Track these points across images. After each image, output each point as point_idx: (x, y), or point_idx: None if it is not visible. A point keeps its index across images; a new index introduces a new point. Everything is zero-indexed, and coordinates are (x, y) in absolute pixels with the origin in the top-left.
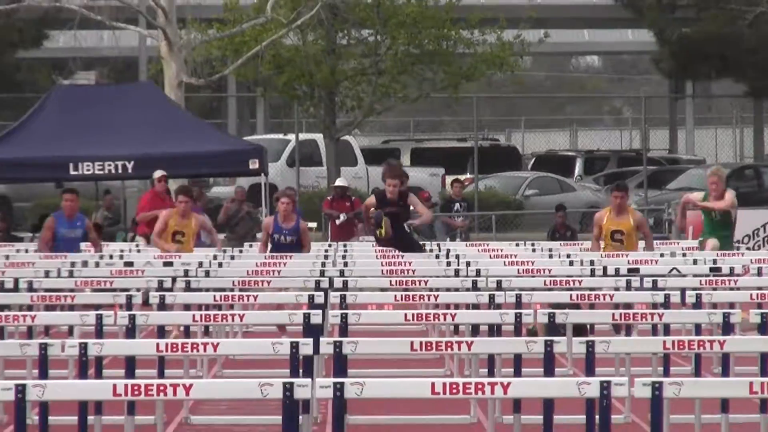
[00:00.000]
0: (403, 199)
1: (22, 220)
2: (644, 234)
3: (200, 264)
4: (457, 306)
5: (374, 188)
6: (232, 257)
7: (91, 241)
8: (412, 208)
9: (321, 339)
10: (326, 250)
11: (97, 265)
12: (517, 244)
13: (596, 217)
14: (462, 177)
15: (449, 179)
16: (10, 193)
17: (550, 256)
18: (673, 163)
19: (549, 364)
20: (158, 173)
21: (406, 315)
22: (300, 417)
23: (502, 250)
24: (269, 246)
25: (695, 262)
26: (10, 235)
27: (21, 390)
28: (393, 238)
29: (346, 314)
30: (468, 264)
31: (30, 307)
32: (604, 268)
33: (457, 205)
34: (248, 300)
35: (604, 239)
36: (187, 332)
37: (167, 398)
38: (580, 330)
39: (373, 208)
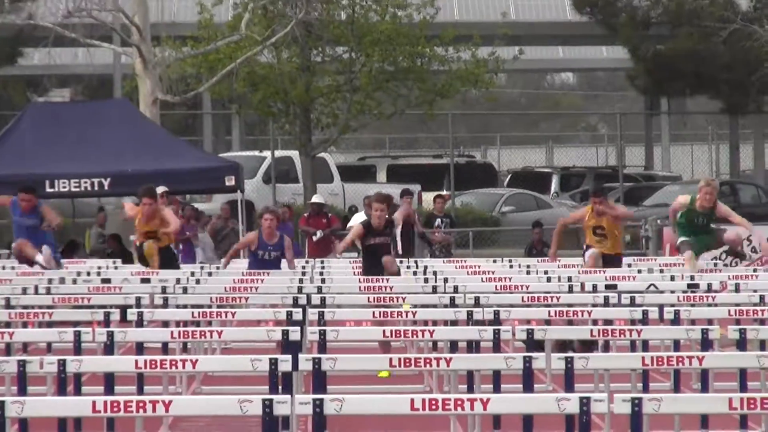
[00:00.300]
0: (389, 227)
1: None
2: (622, 215)
3: (178, 281)
4: (435, 322)
5: (351, 206)
6: (210, 273)
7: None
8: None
9: (300, 355)
10: (303, 267)
11: (74, 282)
12: (494, 261)
13: (578, 212)
14: (444, 192)
15: (429, 196)
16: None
17: (528, 273)
18: (649, 179)
19: (528, 380)
20: (161, 189)
21: (384, 331)
22: None
23: (479, 267)
24: (249, 262)
25: (672, 278)
26: None
27: (0, 406)
28: (381, 270)
29: (325, 331)
30: (446, 280)
31: (8, 324)
32: (582, 285)
33: (438, 220)
34: (226, 316)
35: (586, 231)
36: (165, 349)
37: (147, 415)
38: (589, 345)
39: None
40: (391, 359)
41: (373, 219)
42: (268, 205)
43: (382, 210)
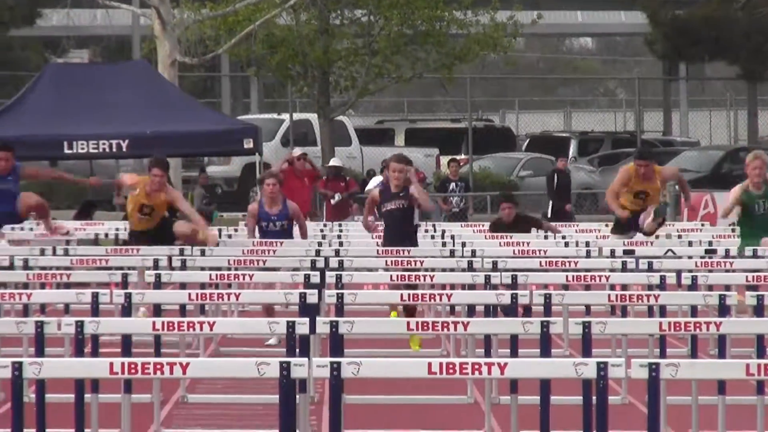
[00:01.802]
0: (406, 191)
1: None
2: (681, 185)
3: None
4: (452, 286)
5: (369, 169)
6: (229, 236)
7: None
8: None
9: (317, 318)
10: (322, 230)
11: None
12: None
13: (623, 174)
14: (459, 157)
15: (444, 160)
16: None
17: (546, 237)
18: (668, 145)
19: (546, 344)
20: (297, 151)
21: (402, 295)
22: (297, 396)
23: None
24: (257, 236)
25: (690, 244)
26: None
27: (18, 368)
28: (401, 238)
29: (342, 294)
30: (464, 245)
31: (26, 285)
32: (600, 249)
33: (453, 185)
34: (244, 279)
35: (627, 193)
36: (183, 311)
37: (164, 377)
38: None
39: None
40: (408, 323)
41: (391, 181)
42: (272, 169)
43: (400, 171)
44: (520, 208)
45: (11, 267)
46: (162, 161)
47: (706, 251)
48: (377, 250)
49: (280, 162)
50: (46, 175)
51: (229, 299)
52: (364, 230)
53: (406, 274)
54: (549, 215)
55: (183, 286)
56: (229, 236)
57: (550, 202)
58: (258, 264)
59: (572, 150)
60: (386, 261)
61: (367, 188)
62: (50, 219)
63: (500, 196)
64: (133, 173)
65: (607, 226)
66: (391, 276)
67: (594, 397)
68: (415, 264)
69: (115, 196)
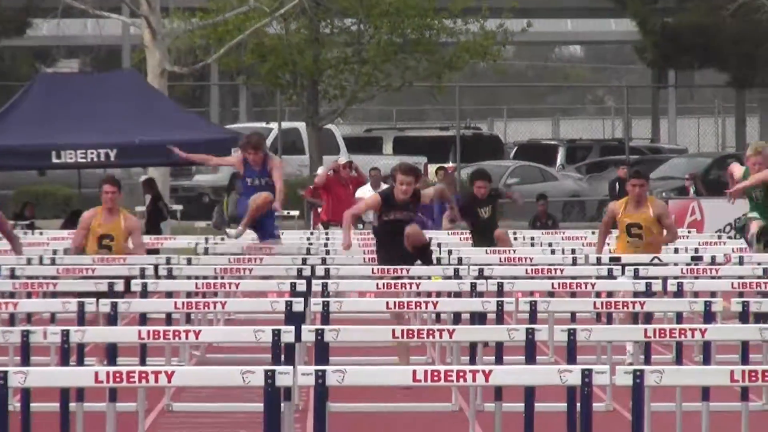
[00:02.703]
0: (414, 203)
1: (4, 208)
2: (666, 226)
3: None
4: (438, 294)
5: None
6: (216, 244)
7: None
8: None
9: (303, 327)
10: (308, 238)
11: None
12: None
13: (611, 206)
14: (446, 165)
15: (432, 168)
16: None
17: (532, 245)
18: (656, 152)
19: (530, 351)
20: (342, 159)
21: (387, 303)
22: (282, 404)
23: None
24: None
25: (676, 251)
26: None
27: (3, 376)
28: (401, 251)
29: (328, 302)
30: (450, 252)
31: (12, 294)
32: (586, 257)
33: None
34: (230, 288)
35: (619, 233)
36: (168, 320)
37: (149, 385)
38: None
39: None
40: (393, 330)
41: (396, 192)
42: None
43: (408, 184)
44: (503, 214)
45: None
46: (112, 178)
47: (692, 258)
48: (364, 258)
49: (325, 170)
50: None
51: (215, 308)
52: (352, 239)
53: (392, 282)
54: None
55: (169, 295)
56: (216, 244)
57: None
58: (244, 273)
59: (560, 157)
60: (372, 269)
61: (356, 195)
62: (17, 241)
63: (474, 175)
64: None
65: (594, 233)
66: (377, 284)
67: (578, 404)
68: (401, 272)
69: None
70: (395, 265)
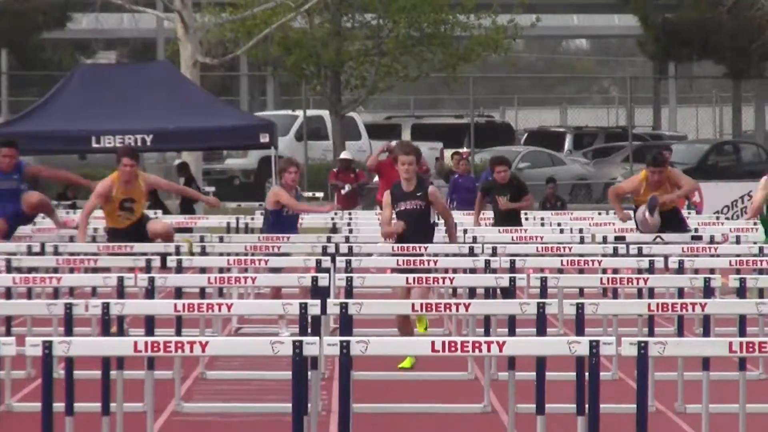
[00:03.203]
0: (423, 190)
1: (48, 190)
2: (682, 185)
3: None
4: (455, 270)
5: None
6: (246, 225)
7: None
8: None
9: (328, 300)
10: (333, 218)
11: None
12: None
13: (633, 182)
14: (461, 150)
15: (448, 153)
16: (36, 165)
17: (542, 225)
18: (657, 138)
19: (541, 324)
20: (395, 143)
21: (407, 278)
22: (309, 373)
23: None
24: (265, 219)
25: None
26: None
27: (48, 346)
28: (417, 238)
29: (352, 277)
30: (465, 231)
31: (56, 270)
32: (593, 236)
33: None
34: (259, 263)
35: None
36: (202, 293)
37: (184, 354)
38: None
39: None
40: (413, 304)
41: (401, 176)
42: (290, 156)
43: (410, 164)
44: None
45: (42, 252)
46: (130, 150)
47: (693, 237)
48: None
49: (377, 152)
50: (50, 175)
51: (245, 282)
52: (372, 218)
53: (412, 259)
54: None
55: (203, 270)
56: (246, 224)
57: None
58: (273, 250)
59: (568, 143)
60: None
61: (375, 179)
62: (56, 214)
63: (494, 160)
64: (103, 180)
65: (600, 214)
66: (397, 261)
67: (587, 374)
68: (428, 262)
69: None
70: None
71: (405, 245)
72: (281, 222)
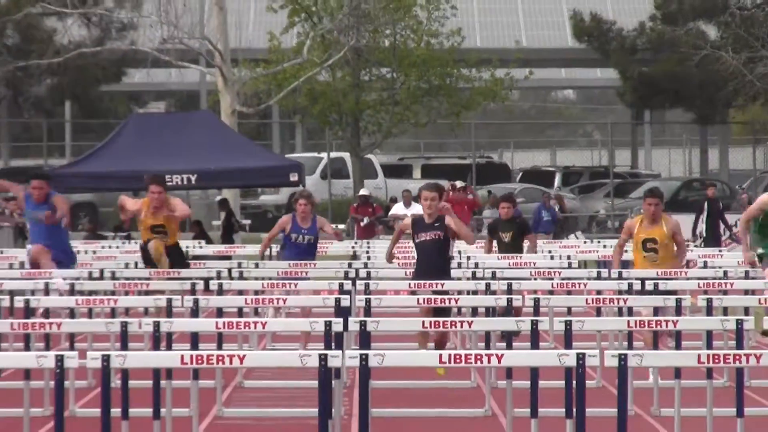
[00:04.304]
0: (441, 221)
1: (106, 222)
2: (677, 242)
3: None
4: (460, 292)
5: (392, 197)
6: (278, 253)
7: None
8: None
9: (349, 319)
10: (353, 247)
11: None
12: None
13: (627, 224)
14: (457, 183)
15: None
16: (96, 200)
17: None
18: (634, 176)
19: (535, 339)
20: (459, 183)
21: (418, 300)
22: (333, 382)
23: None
24: (282, 246)
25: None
26: (96, 235)
27: (106, 359)
28: (434, 270)
29: (370, 299)
30: (468, 258)
31: (113, 292)
32: (579, 262)
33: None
34: (290, 287)
35: (635, 248)
36: (240, 313)
37: (225, 366)
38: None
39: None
40: (423, 322)
41: (423, 211)
42: (303, 189)
43: (432, 200)
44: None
45: (101, 277)
46: (159, 177)
47: None
48: (398, 263)
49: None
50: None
51: (277, 303)
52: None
53: (432, 298)
54: (704, 234)
55: (240, 292)
56: (278, 253)
57: (704, 225)
58: (301, 275)
59: (557, 181)
60: (405, 272)
61: (390, 212)
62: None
63: (501, 198)
64: (135, 198)
65: (585, 243)
66: (418, 300)
67: (574, 382)
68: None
69: (121, 213)
70: (429, 280)
71: (422, 281)
72: (293, 246)
